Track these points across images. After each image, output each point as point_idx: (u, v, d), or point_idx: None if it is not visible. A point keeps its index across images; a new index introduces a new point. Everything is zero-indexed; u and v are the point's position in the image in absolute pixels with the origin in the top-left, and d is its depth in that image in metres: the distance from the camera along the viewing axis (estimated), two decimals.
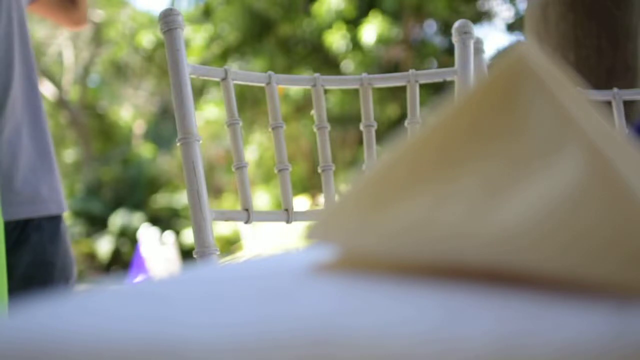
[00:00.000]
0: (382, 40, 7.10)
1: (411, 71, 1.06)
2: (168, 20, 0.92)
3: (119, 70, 11.36)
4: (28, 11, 1.40)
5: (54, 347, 0.22)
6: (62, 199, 1.27)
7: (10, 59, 1.21)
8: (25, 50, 1.24)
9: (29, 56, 1.25)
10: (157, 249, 5.19)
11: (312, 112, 1.05)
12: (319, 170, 1.03)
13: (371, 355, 0.21)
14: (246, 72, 1.02)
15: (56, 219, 1.26)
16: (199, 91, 8.33)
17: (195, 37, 7.83)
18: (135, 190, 10.16)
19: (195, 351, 0.21)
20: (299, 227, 1.00)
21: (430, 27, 8.28)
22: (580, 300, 0.25)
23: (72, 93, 11.26)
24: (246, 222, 0.96)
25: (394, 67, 7.37)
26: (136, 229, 7.43)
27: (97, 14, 10.17)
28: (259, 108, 7.61)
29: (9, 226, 1.20)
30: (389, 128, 6.57)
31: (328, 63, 7.53)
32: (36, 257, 1.22)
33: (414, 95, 1.05)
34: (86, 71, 11.42)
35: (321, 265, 0.34)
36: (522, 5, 7.64)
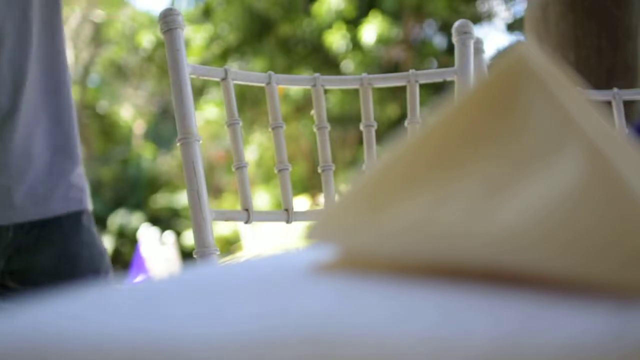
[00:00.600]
0: (382, 40, 7.09)
1: (411, 71, 1.06)
2: (168, 20, 0.92)
3: (119, 70, 11.36)
4: None
5: (54, 347, 0.22)
6: (83, 197, 1.25)
7: (24, 60, 1.18)
8: (45, 49, 1.21)
9: (51, 55, 1.22)
10: (157, 249, 5.18)
11: (312, 112, 1.05)
12: (319, 170, 1.03)
13: (370, 353, 0.21)
14: (246, 72, 1.02)
15: (77, 214, 1.24)
16: (199, 91, 8.33)
17: (195, 37, 7.83)
18: (135, 190, 10.15)
19: (195, 350, 0.21)
20: (299, 227, 1.00)
21: (430, 27, 8.28)
22: (580, 300, 0.25)
23: (72, 93, 11.25)
24: (246, 222, 0.95)
25: (394, 67, 7.37)
26: (136, 229, 7.42)
27: (97, 14, 10.17)
28: (259, 108, 7.60)
29: (25, 227, 1.18)
30: (389, 128, 6.57)
31: (328, 63, 7.53)
32: (59, 250, 1.21)
33: (414, 95, 1.05)
34: (86, 71, 11.41)
35: (321, 265, 0.34)
36: (520, 7, 7.64)
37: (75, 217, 1.23)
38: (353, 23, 7.26)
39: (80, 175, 1.26)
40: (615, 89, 1.19)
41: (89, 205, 1.27)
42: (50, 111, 1.22)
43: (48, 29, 1.22)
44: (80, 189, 1.25)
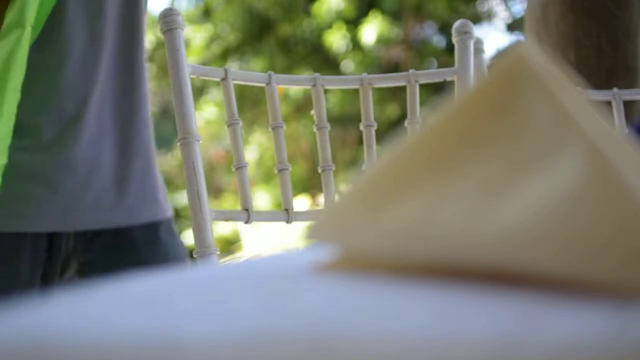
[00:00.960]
0: (382, 40, 7.09)
1: (411, 71, 1.06)
2: (168, 20, 0.92)
3: None
4: None
5: (54, 347, 0.22)
6: (157, 207, 1.18)
7: (95, 63, 1.11)
8: (121, 52, 1.14)
9: (127, 59, 1.15)
10: None
11: (312, 112, 1.05)
12: (319, 170, 1.03)
13: (370, 351, 0.21)
14: (246, 72, 1.02)
15: (152, 225, 1.16)
16: (199, 91, 8.32)
17: (195, 37, 7.83)
18: None
19: (196, 349, 0.21)
20: (299, 227, 1.00)
21: (430, 27, 8.27)
22: (579, 300, 0.25)
23: None
24: (246, 222, 0.95)
25: (394, 67, 7.37)
26: None
27: None
28: (259, 108, 7.60)
29: (87, 235, 1.13)
30: (389, 128, 6.56)
31: (328, 63, 7.52)
32: (132, 264, 1.14)
33: (414, 95, 1.05)
34: None
35: (321, 265, 0.34)
36: (520, 7, 7.63)
37: (150, 228, 1.16)
38: (353, 23, 7.26)
39: (156, 184, 1.19)
40: (615, 89, 1.19)
41: (168, 215, 1.20)
42: (123, 116, 1.15)
43: (127, 30, 1.15)
44: (154, 199, 1.17)
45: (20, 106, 1.02)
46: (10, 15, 1.01)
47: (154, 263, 1.15)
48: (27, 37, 1.00)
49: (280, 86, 1.03)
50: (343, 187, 0.36)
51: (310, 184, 7.89)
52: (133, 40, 1.16)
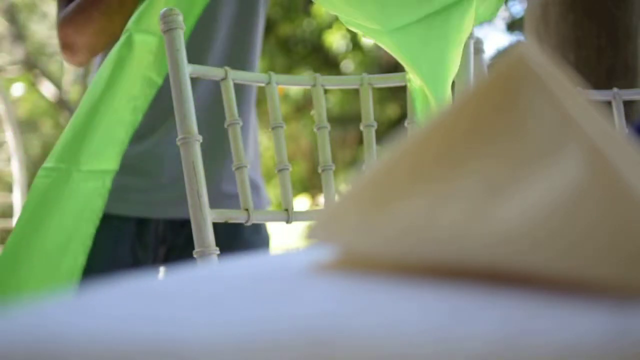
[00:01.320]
0: None
1: None
2: (168, 20, 0.92)
3: None
4: None
5: (54, 347, 0.22)
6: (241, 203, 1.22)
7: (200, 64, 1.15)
8: (231, 57, 1.18)
9: (238, 62, 1.18)
10: None
11: (312, 112, 1.05)
12: (319, 170, 1.03)
13: (372, 354, 0.21)
14: (246, 72, 1.02)
15: None
16: None
17: None
18: None
19: (196, 351, 0.21)
20: (299, 227, 1.00)
21: None
22: (580, 301, 0.25)
23: (72, 93, 11.24)
24: (246, 222, 0.95)
25: (394, 67, 7.37)
26: None
27: None
28: (259, 108, 7.59)
29: (176, 224, 1.19)
30: (389, 128, 6.56)
31: (328, 63, 7.52)
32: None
33: None
34: (86, 71, 11.38)
35: (321, 265, 0.34)
36: (520, 7, 7.63)
37: (231, 223, 1.18)
38: None
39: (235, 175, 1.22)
40: (615, 89, 1.18)
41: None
42: (220, 116, 1.18)
43: (238, 38, 1.17)
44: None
45: None
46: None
47: (232, 251, 1.19)
48: (135, 44, 0.98)
49: (280, 86, 1.03)
50: (343, 187, 0.36)
51: (310, 184, 7.89)
52: (244, 47, 1.20)
